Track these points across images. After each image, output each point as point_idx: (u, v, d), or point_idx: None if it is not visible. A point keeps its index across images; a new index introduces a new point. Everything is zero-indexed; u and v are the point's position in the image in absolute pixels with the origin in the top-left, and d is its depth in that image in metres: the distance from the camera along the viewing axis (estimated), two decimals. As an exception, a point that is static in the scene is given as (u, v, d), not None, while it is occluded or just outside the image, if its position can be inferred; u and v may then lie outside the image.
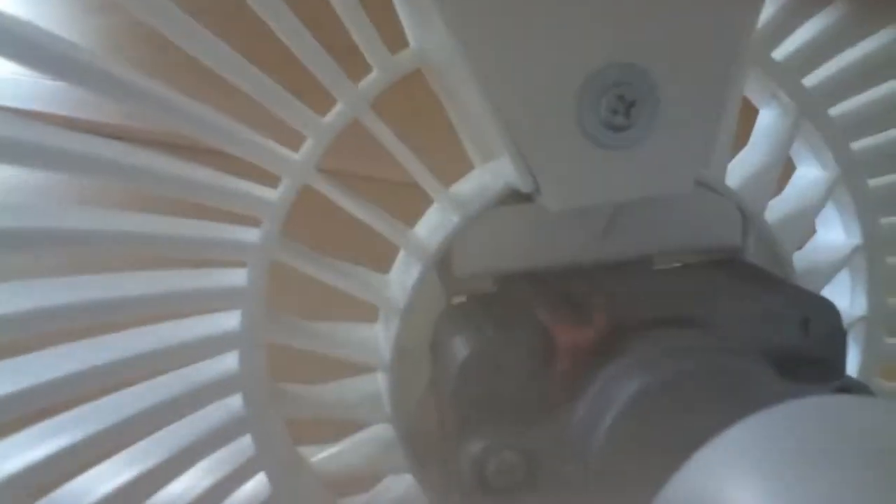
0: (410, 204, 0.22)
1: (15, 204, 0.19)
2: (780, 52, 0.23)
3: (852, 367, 0.26)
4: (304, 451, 0.24)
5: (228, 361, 0.22)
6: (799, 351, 0.19)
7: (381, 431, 0.23)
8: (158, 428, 0.21)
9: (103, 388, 0.20)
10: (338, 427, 0.24)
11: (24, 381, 0.19)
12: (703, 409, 0.16)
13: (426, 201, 0.22)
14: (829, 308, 0.19)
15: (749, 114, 0.24)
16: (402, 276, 0.22)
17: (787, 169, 0.25)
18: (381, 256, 0.23)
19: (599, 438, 0.16)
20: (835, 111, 0.24)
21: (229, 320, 0.21)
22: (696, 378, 0.17)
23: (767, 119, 0.24)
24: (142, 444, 0.21)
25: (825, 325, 0.19)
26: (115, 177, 0.19)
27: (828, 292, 0.24)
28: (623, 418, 0.16)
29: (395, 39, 0.20)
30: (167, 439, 0.21)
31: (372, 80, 0.20)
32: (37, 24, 0.17)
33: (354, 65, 0.20)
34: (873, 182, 0.25)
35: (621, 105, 0.18)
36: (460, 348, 0.19)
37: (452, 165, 0.22)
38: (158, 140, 0.20)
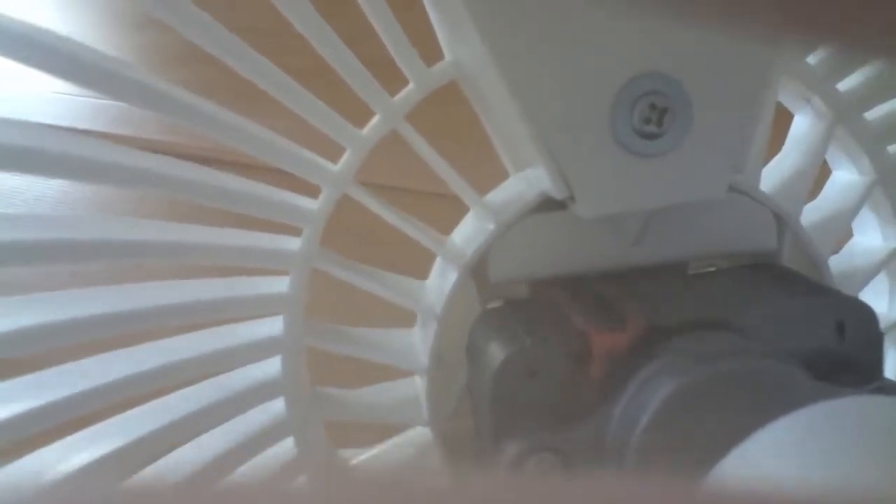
0: (436, 213, 0.23)
1: (62, 216, 0.20)
2: (813, 57, 0.23)
3: (890, 370, 0.26)
4: (344, 453, 0.24)
5: (271, 366, 0.22)
6: (835, 354, 0.19)
7: (418, 434, 0.24)
8: (204, 431, 0.22)
9: (150, 393, 0.21)
10: (376, 430, 0.24)
11: (76, 386, 0.20)
12: (738, 411, 0.16)
13: (451, 210, 0.23)
14: (865, 311, 0.19)
15: (782, 117, 0.24)
16: (439, 283, 0.22)
17: (823, 171, 0.24)
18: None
19: (636, 440, 0.17)
20: (870, 115, 0.24)
21: (272, 326, 0.22)
22: (731, 380, 0.17)
23: (802, 124, 0.24)
24: (184, 449, 0.22)
25: (861, 328, 0.19)
26: (162, 188, 0.20)
27: (865, 296, 0.24)
28: (659, 420, 0.17)
29: (429, 51, 0.21)
30: (211, 442, 0.22)
31: (408, 93, 0.21)
32: (78, 40, 0.18)
33: (388, 77, 0.21)
34: (910, 185, 0.25)
35: (654, 113, 0.18)
36: (496, 353, 0.19)
37: (482, 179, 0.23)
38: (190, 155, 0.21)
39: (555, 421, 0.18)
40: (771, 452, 0.13)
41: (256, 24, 0.25)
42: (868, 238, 0.26)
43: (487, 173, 0.23)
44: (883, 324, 0.22)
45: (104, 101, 0.54)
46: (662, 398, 0.16)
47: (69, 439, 0.21)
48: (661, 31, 0.18)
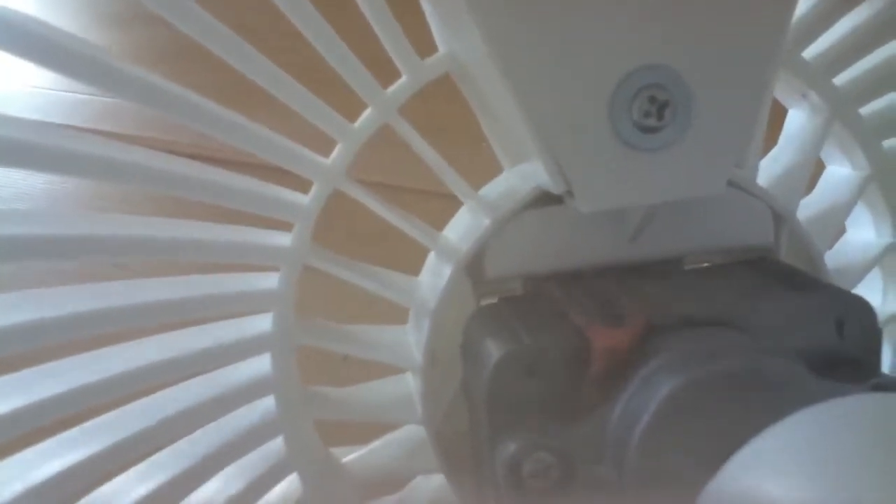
0: (428, 212, 0.22)
1: (44, 212, 0.19)
2: (809, 52, 0.23)
3: (885, 364, 0.26)
4: (336, 451, 0.24)
5: (261, 364, 0.22)
6: (834, 350, 0.19)
7: (412, 432, 0.23)
8: (193, 430, 0.22)
9: (138, 392, 0.21)
10: (368, 428, 0.24)
11: (61, 387, 0.19)
12: (739, 409, 0.16)
13: (443, 209, 0.22)
14: (864, 306, 0.19)
15: (776, 113, 0.24)
16: (433, 279, 0.22)
17: (817, 167, 0.24)
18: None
19: (635, 439, 0.16)
20: (865, 110, 0.24)
21: (262, 323, 0.22)
22: (731, 378, 0.17)
23: (797, 119, 0.24)
24: (175, 447, 0.22)
25: (860, 324, 0.19)
26: (149, 183, 0.19)
27: (859, 292, 0.24)
28: (658, 419, 0.16)
29: (422, 44, 0.20)
30: (201, 441, 0.22)
31: (401, 86, 0.20)
32: (67, 31, 0.17)
33: (382, 72, 0.20)
34: (905, 181, 0.25)
35: (654, 107, 0.18)
36: (493, 351, 0.19)
37: (475, 174, 0.22)
38: (171, 151, 0.20)
39: (553, 420, 0.18)
40: (776, 455, 0.13)
41: (245, 22, 0.24)
42: (862, 233, 0.26)
43: (480, 168, 0.23)
44: (878, 319, 0.22)
45: (81, 96, 0.53)
46: (663, 396, 0.16)
47: (53, 440, 0.20)
48: (663, 22, 0.17)
